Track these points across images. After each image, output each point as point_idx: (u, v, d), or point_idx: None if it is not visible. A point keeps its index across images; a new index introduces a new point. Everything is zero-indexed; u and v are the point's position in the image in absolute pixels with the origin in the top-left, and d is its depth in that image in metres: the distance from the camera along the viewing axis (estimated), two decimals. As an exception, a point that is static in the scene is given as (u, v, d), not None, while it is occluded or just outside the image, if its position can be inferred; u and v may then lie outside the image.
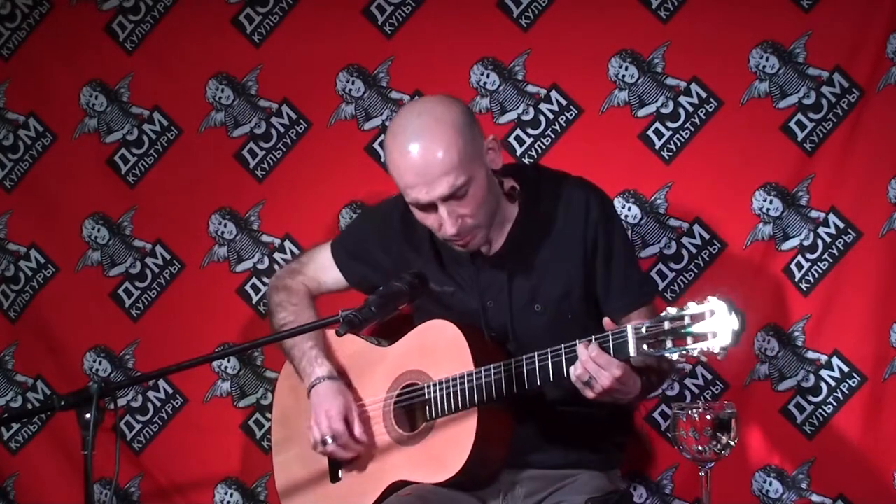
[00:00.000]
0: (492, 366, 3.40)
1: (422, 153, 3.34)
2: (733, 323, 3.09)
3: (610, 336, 3.24)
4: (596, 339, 3.25)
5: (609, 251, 3.51)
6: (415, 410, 3.56)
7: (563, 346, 3.31)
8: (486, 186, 3.41)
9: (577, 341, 3.28)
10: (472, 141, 3.38)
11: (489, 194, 3.42)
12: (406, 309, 3.49)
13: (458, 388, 3.43)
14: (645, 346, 3.18)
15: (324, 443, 3.57)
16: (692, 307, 3.13)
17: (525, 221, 3.52)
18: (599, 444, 3.57)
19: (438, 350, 3.50)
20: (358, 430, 3.56)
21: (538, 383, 3.36)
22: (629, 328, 3.21)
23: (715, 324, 3.10)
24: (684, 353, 3.12)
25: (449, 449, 3.44)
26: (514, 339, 3.51)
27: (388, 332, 3.71)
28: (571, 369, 3.27)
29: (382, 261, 3.67)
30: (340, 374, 3.65)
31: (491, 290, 3.53)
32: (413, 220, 3.54)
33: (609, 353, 3.23)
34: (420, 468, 3.50)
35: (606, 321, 3.30)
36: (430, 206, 3.39)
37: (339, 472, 3.65)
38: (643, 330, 3.18)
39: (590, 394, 3.28)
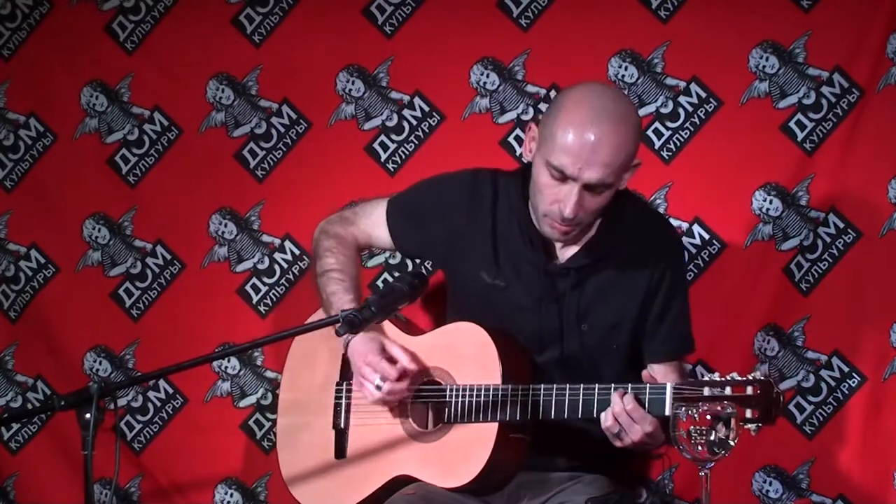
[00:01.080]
0: (520, 387, 3.37)
1: (601, 136, 3.30)
2: (773, 402, 3.09)
3: (647, 389, 3.24)
4: (633, 390, 3.25)
5: (671, 297, 3.51)
6: (432, 408, 3.53)
7: (596, 386, 3.30)
8: (613, 194, 3.41)
9: (613, 385, 3.27)
10: (633, 154, 3.38)
11: (609, 203, 3.42)
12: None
13: (482, 399, 3.40)
14: (681, 408, 3.17)
15: (378, 388, 3.45)
16: (734, 378, 3.12)
17: (602, 239, 3.50)
18: (603, 447, 3.56)
19: (466, 354, 3.46)
20: (405, 360, 3.45)
21: (564, 416, 3.34)
22: (669, 387, 3.21)
23: (755, 401, 3.09)
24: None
25: (463, 457, 3.42)
26: (556, 351, 3.48)
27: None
28: (602, 416, 3.27)
29: (435, 232, 3.60)
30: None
31: (548, 296, 3.50)
32: (478, 203, 3.53)
33: (644, 407, 3.23)
34: (429, 468, 3.47)
35: (646, 374, 3.33)
36: (567, 180, 3.34)
37: (346, 449, 3.60)
38: (683, 391, 3.18)
39: (617, 443, 3.30)
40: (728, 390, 3.11)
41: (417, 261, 4.00)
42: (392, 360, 3.47)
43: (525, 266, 3.51)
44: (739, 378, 3.11)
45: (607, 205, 3.41)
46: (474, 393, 3.42)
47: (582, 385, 3.32)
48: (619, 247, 3.49)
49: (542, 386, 3.36)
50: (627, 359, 3.52)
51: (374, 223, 3.71)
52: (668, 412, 3.19)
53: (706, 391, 3.13)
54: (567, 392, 3.33)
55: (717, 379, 3.14)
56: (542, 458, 3.51)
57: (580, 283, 3.49)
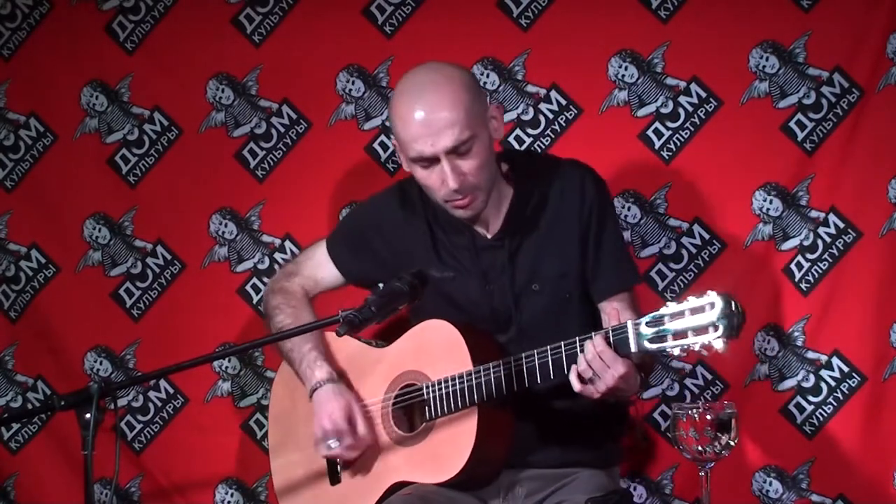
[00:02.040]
0: (490, 364, 3.40)
1: (429, 106, 3.41)
2: (734, 314, 3.08)
3: (610, 331, 3.24)
4: (596, 335, 3.24)
5: (601, 233, 3.53)
6: (413, 411, 3.56)
7: (562, 343, 3.31)
8: (488, 149, 3.46)
9: (577, 338, 3.28)
10: (477, 101, 3.45)
11: (490, 159, 3.47)
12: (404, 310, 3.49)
13: (458, 387, 3.43)
14: (646, 343, 3.17)
15: (328, 446, 3.56)
16: (691, 301, 3.12)
17: (521, 202, 3.54)
18: (597, 440, 3.57)
19: (436, 350, 3.50)
20: (362, 428, 3.55)
21: (538, 381, 3.35)
22: (629, 324, 3.20)
23: (715, 316, 3.09)
24: (685, 347, 3.12)
25: (449, 449, 3.44)
26: (517, 321, 3.52)
27: (385, 332, 3.71)
28: (572, 370, 3.27)
29: (380, 250, 3.66)
30: (340, 377, 3.65)
31: (492, 272, 3.54)
32: (411, 208, 3.59)
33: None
34: (420, 468, 3.49)
35: (609, 312, 3.32)
36: (434, 161, 3.42)
37: (339, 474, 3.64)
38: (643, 325, 3.18)
39: (594, 394, 3.26)
40: (687, 314, 3.10)
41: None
42: (352, 426, 3.55)
43: (462, 252, 3.57)
44: (697, 298, 3.11)
45: (489, 158, 3.46)
46: (449, 384, 3.45)
47: (548, 346, 3.33)
48: (541, 201, 3.54)
49: (512, 358, 3.38)
50: (586, 312, 3.52)
51: (316, 265, 3.77)
52: (633, 349, 3.19)
53: (666, 320, 3.13)
54: (536, 356, 3.35)
55: (675, 306, 3.13)
56: (532, 453, 3.52)
57: (515, 251, 3.53)
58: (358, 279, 3.76)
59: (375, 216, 3.69)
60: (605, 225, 3.53)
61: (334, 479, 3.64)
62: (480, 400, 3.41)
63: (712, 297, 3.10)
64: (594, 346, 3.23)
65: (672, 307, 3.14)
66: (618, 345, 3.22)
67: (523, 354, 3.37)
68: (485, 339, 3.50)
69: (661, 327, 3.14)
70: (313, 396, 3.60)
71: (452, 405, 3.44)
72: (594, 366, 3.23)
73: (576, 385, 3.27)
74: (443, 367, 3.47)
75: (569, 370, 3.29)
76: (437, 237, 3.60)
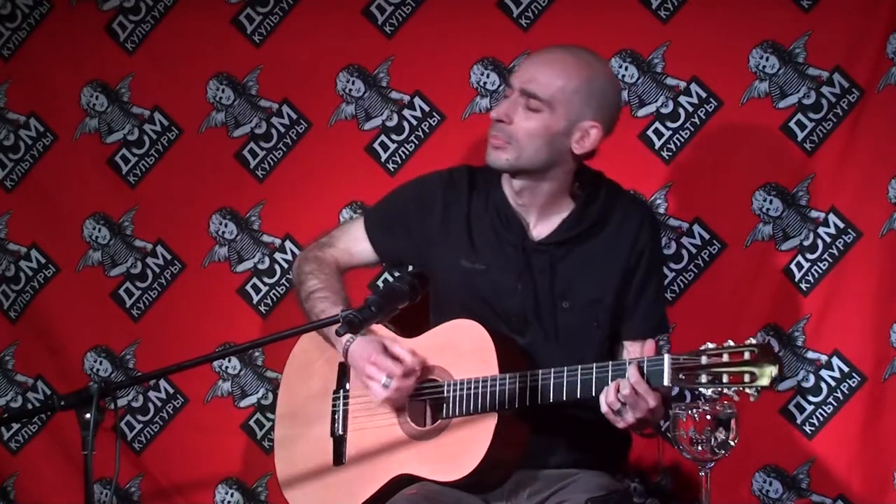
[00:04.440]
0: (517, 374, 3.38)
1: (554, 55, 3.49)
2: (772, 368, 3.08)
3: (646, 362, 3.23)
4: (631, 366, 3.23)
5: (647, 277, 3.53)
6: (431, 406, 3.53)
7: (594, 365, 3.30)
8: (550, 133, 3.46)
9: (610, 363, 3.27)
10: (581, 99, 3.46)
11: (546, 144, 3.47)
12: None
13: (479, 390, 3.41)
14: (680, 377, 3.16)
15: (384, 386, 3.46)
16: (731, 345, 3.11)
17: (578, 218, 3.53)
18: (601, 443, 3.57)
19: (464, 350, 3.48)
20: (407, 356, 3.47)
21: (563, 399, 3.34)
22: (666, 357, 3.20)
23: (753, 366, 3.08)
24: (718, 390, 3.11)
25: (462, 450, 3.42)
26: (537, 329, 3.51)
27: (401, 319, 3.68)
28: (602, 395, 3.26)
29: (416, 233, 3.63)
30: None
31: (527, 273, 3.52)
32: (454, 195, 3.58)
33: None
34: (429, 465, 3.47)
35: (649, 346, 3.30)
36: (511, 94, 3.49)
37: (345, 455, 3.61)
38: (680, 361, 3.17)
39: (619, 423, 3.27)
40: (725, 357, 3.10)
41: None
42: (395, 359, 3.48)
43: (502, 246, 3.55)
44: (735, 344, 3.10)
45: (545, 139, 3.46)
46: (472, 386, 3.43)
47: (579, 366, 3.32)
48: (596, 225, 3.53)
49: (540, 371, 3.36)
50: (607, 340, 3.53)
51: (353, 239, 3.74)
52: (667, 382, 3.18)
53: (703, 359, 3.12)
54: (565, 374, 3.33)
55: (713, 347, 3.13)
56: (540, 455, 3.51)
57: (557, 260, 3.52)
58: (390, 258, 3.73)
59: (416, 197, 3.65)
60: (651, 272, 3.54)
61: (339, 460, 3.61)
62: (500, 407, 3.38)
63: (752, 345, 3.09)
64: (630, 378, 3.22)
65: (710, 347, 3.13)
66: (651, 376, 3.22)
67: (552, 370, 3.35)
68: (513, 347, 3.48)
69: (697, 366, 3.13)
70: (348, 354, 3.54)
71: (471, 407, 3.41)
72: (626, 395, 3.23)
73: (604, 408, 3.27)
74: (468, 367, 3.45)
75: (595, 393, 3.28)
76: (473, 226, 3.57)
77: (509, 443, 3.44)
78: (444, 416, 3.48)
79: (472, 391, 3.42)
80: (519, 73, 3.51)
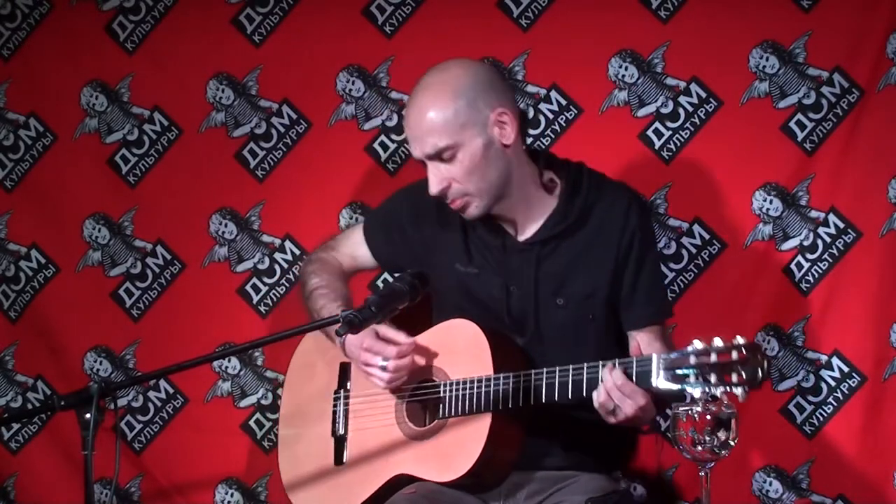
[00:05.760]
0: (511, 374, 3.38)
1: (416, 110, 3.45)
2: (760, 367, 3.07)
3: (634, 363, 3.24)
4: (620, 364, 3.25)
5: (641, 262, 3.51)
6: (428, 407, 3.54)
7: (585, 365, 3.31)
8: (480, 156, 3.43)
9: (601, 363, 3.28)
10: (469, 108, 3.42)
11: (486, 166, 3.43)
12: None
13: (475, 390, 3.42)
14: (668, 378, 3.15)
15: (382, 368, 3.48)
16: (719, 344, 3.10)
17: (561, 214, 3.52)
18: (599, 445, 3.57)
19: (459, 350, 3.49)
20: (397, 334, 3.49)
21: (556, 399, 3.35)
22: (654, 357, 3.20)
23: (741, 365, 3.07)
24: (706, 390, 3.11)
25: (458, 449, 3.43)
26: (534, 329, 3.51)
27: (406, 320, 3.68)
28: (594, 395, 3.27)
29: (413, 238, 3.66)
30: None
31: (516, 276, 3.52)
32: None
33: (632, 381, 3.23)
34: (426, 465, 3.49)
35: (634, 348, 3.35)
36: (424, 163, 3.46)
37: (345, 456, 3.62)
38: (668, 361, 3.16)
39: (612, 420, 3.29)
40: (713, 357, 3.09)
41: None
42: (389, 341, 3.50)
43: (490, 250, 3.56)
44: (724, 343, 3.10)
45: (484, 165, 3.42)
46: (467, 386, 3.44)
47: (571, 366, 3.33)
48: (581, 218, 3.52)
49: (533, 371, 3.37)
50: (609, 332, 3.52)
51: (354, 243, 3.78)
52: (654, 383, 3.18)
53: (692, 359, 3.11)
54: (557, 374, 3.34)
55: (702, 346, 3.12)
56: (537, 456, 3.51)
57: (545, 258, 3.51)
58: (388, 263, 3.76)
59: (413, 203, 3.68)
60: (645, 255, 3.52)
61: (339, 460, 3.62)
62: (495, 407, 3.40)
63: (740, 344, 3.08)
64: (612, 378, 3.23)
65: (698, 347, 3.12)
66: (640, 376, 3.22)
67: (544, 370, 3.36)
68: (510, 346, 3.49)
69: (686, 366, 3.12)
70: (345, 347, 3.56)
71: (467, 407, 3.43)
72: (613, 396, 3.24)
73: (597, 403, 3.29)
74: (464, 368, 3.46)
75: (588, 393, 3.29)
76: (468, 232, 3.58)
77: (505, 443, 3.44)
78: (440, 416, 3.49)
79: (467, 391, 3.43)
80: (412, 145, 3.46)
